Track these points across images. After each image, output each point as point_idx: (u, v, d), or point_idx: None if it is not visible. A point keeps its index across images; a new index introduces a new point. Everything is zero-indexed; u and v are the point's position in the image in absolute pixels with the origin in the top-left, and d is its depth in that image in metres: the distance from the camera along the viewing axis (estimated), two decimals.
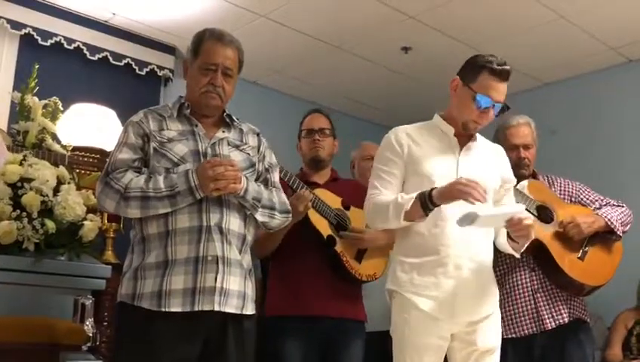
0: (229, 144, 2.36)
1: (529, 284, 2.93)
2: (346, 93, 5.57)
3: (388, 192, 2.37)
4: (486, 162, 2.46)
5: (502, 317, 2.48)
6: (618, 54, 4.67)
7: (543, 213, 2.94)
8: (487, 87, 2.32)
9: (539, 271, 2.93)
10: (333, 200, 2.94)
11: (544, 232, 2.88)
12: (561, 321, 2.87)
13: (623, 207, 3.05)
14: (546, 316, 2.87)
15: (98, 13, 4.40)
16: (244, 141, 2.42)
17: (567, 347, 2.89)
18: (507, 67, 2.34)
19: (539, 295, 2.91)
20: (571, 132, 4.88)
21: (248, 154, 2.39)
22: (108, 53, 4.50)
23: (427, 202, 2.22)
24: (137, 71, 4.62)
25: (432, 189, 2.23)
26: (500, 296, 2.50)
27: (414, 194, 2.26)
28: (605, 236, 2.97)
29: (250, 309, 2.29)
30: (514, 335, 2.86)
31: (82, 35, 4.39)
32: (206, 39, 2.34)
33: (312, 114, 3.18)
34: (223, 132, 2.38)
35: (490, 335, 2.36)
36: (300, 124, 3.19)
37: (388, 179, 2.40)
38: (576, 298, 2.96)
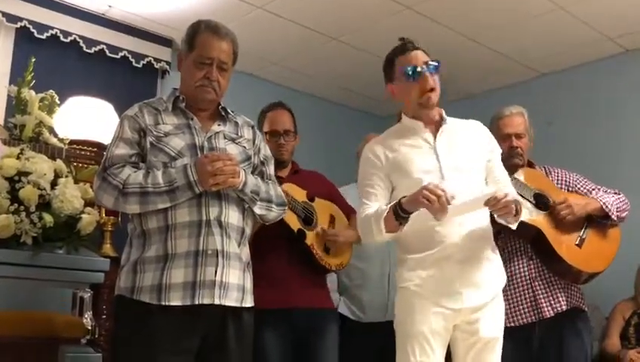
0: (224, 137, 2.36)
1: (527, 273, 2.93)
2: (342, 84, 5.56)
3: (374, 204, 2.40)
4: (464, 140, 2.48)
5: None
6: (615, 44, 4.66)
7: (540, 201, 2.94)
8: (405, 62, 2.44)
9: (537, 259, 2.94)
10: (299, 194, 2.95)
11: (541, 219, 2.89)
12: (559, 309, 2.88)
13: (619, 194, 3.05)
14: (544, 304, 2.88)
15: (94, 5, 4.38)
16: (239, 134, 2.42)
17: (565, 336, 2.90)
18: (410, 40, 2.51)
19: (537, 283, 2.91)
20: (569, 123, 4.88)
21: (244, 147, 2.40)
22: (104, 46, 4.47)
23: (398, 210, 2.24)
24: (134, 63, 4.60)
25: (401, 198, 2.25)
26: None
27: (390, 205, 2.29)
28: (601, 222, 2.98)
29: (249, 302, 2.30)
30: (512, 324, 2.86)
31: (78, 28, 4.36)
32: (201, 32, 2.34)
33: (276, 110, 3.08)
34: (219, 125, 2.38)
35: (494, 325, 2.37)
36: (261, 114, 3.09)
37: (373, 191, 2.42)
38: (573, 286, 2.97)
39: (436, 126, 2.47)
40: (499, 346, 2.39)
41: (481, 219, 2.39)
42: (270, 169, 2.50)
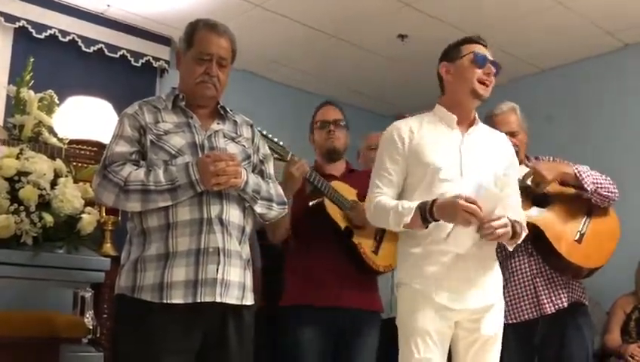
0: (224, 136, 2.36)
1: (528, 269, 2.93)
2: (342, 81, 5.55)
3: (389, 190, 2.40)
4: (488, 146, 2.49)
5: None
6: (615, 39, 4.66)
7: (539, 198, 2.93)
8: (477, 49, 2.45)
9: (537, 256, 2.94)
10: (349, 192, 2.96)
11: (541, 217, 2.88)
12: (560, 306, 2.88)
13: (607, 177, 2.97)
14: (546, 301, 2.88)
15: (93, 5, 4.38)
16: (238, 133, 2.42)
17: (567, 332, 2.90)
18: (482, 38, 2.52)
19: (538, 280, 2.91)
20: (570, 118, 4.88)
21: (244, 146, 2.39)
22: (103, 45, 4.48)
23: (427, 216, 2.25)
24: (133, 62, 4.61)
25: (432, 203, 2.24)
26: None
27: (414, 205, 2.28)
28: (601, 217, 2.95)
29: (249, 299, 2.30)
30: (514, 321, 2.86)
31: (77, 28, 4.37)
32: (199, 29, 2.34)
33: (325, 106, 3.19)
34: (218, 124, 2.38)
35: (494, 323, 2.38)
36: (312, 117, 3.20)
37: (388, 176, 2.42)
38: (575, 281, 2.96)
39: (467, 126, 2.48)
40: (498, 342, 2.40)
41: None
42: (270, 168, 2.49)
